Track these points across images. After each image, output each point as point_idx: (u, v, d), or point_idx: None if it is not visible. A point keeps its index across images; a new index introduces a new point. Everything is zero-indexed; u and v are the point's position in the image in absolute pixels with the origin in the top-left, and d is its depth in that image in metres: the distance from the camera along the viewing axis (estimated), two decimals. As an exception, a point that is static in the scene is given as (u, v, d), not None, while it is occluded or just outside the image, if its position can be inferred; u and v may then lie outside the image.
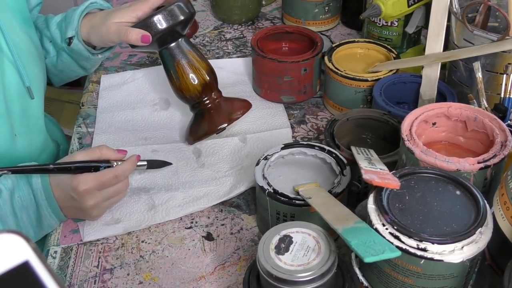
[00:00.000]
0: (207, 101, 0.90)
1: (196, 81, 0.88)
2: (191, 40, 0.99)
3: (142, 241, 0.79)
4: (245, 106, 0.92)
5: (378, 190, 0.58)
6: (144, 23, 0.83)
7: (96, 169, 0.76)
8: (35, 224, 0.76)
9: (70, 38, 0.90)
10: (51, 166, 0.74)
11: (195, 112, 0.92)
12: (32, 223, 0.75)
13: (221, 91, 0.92)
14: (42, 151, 0.92)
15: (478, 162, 0.64)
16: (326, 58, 0.98)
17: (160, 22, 0.83)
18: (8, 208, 0.73)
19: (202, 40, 1.22)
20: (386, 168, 0.65)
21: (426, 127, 0.72)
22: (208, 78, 0.89)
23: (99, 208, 0.77)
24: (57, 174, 0.75)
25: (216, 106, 0.90)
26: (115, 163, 0.78)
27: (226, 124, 0.88)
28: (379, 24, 1.06)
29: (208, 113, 0.90)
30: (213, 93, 0.90)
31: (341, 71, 0.95)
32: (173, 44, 0.87)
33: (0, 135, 0.79)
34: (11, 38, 0.79)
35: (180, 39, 0.88)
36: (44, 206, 0.75)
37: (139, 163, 0.81)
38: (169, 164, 0.86)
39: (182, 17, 0.84)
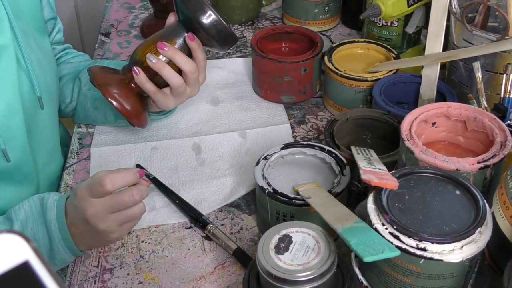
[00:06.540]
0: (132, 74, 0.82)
1: (154, 59, 0.82)
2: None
3: (142, 241, 0.79)
4: (131, 115, 0.83)
5: (378, 190, 0.58)
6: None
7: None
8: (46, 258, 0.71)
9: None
10: (177, 201, 0.83)
11: (125, 68, 0.85)
12: None
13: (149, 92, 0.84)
14: (50, 160, 0.90)
15: (478, 162, 0.64)
16: (326, 58, 0.98)
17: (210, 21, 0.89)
18: None
19: (202, 40, 1.22)
20: (385, 168, 0.65)
21: (425, 127, 0.72)
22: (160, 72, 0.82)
23: (116, 232, 0.71)
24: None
25: (131, 85, 0.83)
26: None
27: (108, 98, 0.81)
28: (379, 24, 1.06)
29: (125, 82, 0.83)
30: (146, 76, 0.82)
31: (341, 71, 0.95)
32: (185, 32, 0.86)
33: (19, 146, 0.78)
34: (24, 47, 0.78)
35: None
36: (57, 239, 0.70)
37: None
38: None
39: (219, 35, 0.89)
